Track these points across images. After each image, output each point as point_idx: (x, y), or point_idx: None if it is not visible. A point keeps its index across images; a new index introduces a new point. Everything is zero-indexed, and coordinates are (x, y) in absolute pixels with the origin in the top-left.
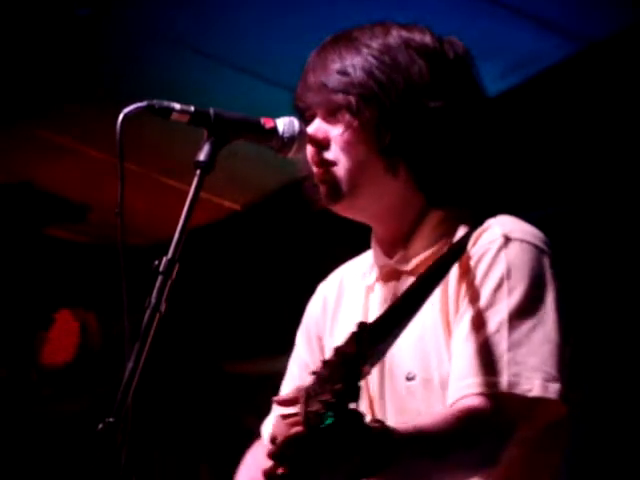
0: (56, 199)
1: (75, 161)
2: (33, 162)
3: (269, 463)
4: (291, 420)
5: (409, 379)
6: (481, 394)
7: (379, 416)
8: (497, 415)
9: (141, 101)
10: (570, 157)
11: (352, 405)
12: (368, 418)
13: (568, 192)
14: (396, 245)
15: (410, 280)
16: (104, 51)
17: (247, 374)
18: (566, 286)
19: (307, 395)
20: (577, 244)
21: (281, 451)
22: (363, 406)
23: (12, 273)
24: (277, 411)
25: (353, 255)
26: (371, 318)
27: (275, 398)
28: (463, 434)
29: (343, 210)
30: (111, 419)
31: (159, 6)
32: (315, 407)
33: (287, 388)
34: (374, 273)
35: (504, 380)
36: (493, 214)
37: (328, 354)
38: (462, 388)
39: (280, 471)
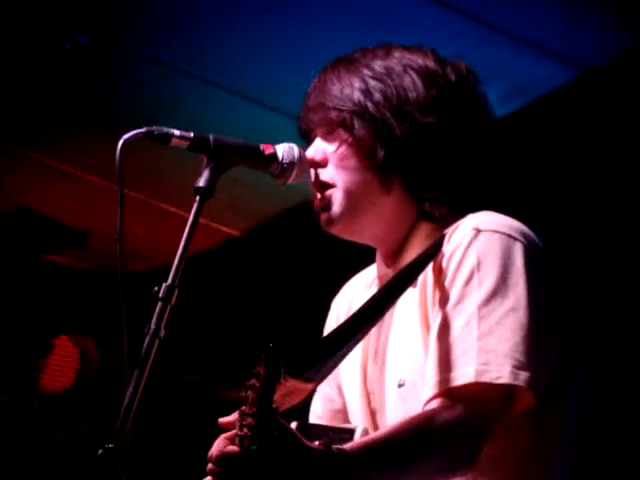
0: (56, 225)
1: (75, 187)
2: (33, 188)
3: None
4: (229, 440)
5: (400, 385)
6: (440, 393)
7: (381, 429)
8: (460, 410)
9: (140, 127)
10: (569, 182)
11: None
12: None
13: (567, 217)
14: (392, 257)
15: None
16: (103, 77)
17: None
18: (545, 275)
19: (240, 417)
20: (574, 268)
21: (218, 469)
22: (365, 420)
23: (12, 299)
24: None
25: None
26: (373, 329)
27: (219, 420)
28: (419, 441)
29: (341, 232)
30: (111, 445)
31: (157, 32)
32: (244, 430)
33: (313, 400)
34: (376, 283)
35: (470, 371)
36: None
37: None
38: (427, 389)
39: None
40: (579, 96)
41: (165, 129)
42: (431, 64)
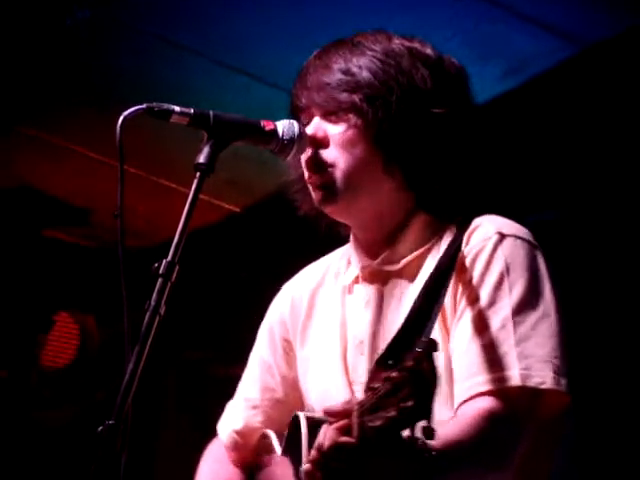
0: (57, 202)
1: (76, 164)
2: (34, 165)
3: (226, 465)
4: (342, 430)
5: None
6: (492, 391)
7: None
8: (510, 411)
9: (141, 104)
10: (568, 159)
11: (423, 423)
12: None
13: (566, 193)
14: (380, 245)
15: (399, 282)
16: (104, 54)
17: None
18: (557, 281)
19: (361, 408)
20: (575, 247)
21: (326, 459)
22: None
23: (12, 276)
24: (233, 411)
25: None
26: (350, 320)
27: (325, 408)
28: (488, 438)
29: (337, 212)
30: (111, 421)
31: (158, 9)
32: (376, 422)
33: (247, 386)
34: (351, 274)
35: (516, 374)
36: (478, 212)
37: (380, 368)
38: (472, 387)
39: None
40: (580, 72)
41: (165, 105)
42: (432, 54)
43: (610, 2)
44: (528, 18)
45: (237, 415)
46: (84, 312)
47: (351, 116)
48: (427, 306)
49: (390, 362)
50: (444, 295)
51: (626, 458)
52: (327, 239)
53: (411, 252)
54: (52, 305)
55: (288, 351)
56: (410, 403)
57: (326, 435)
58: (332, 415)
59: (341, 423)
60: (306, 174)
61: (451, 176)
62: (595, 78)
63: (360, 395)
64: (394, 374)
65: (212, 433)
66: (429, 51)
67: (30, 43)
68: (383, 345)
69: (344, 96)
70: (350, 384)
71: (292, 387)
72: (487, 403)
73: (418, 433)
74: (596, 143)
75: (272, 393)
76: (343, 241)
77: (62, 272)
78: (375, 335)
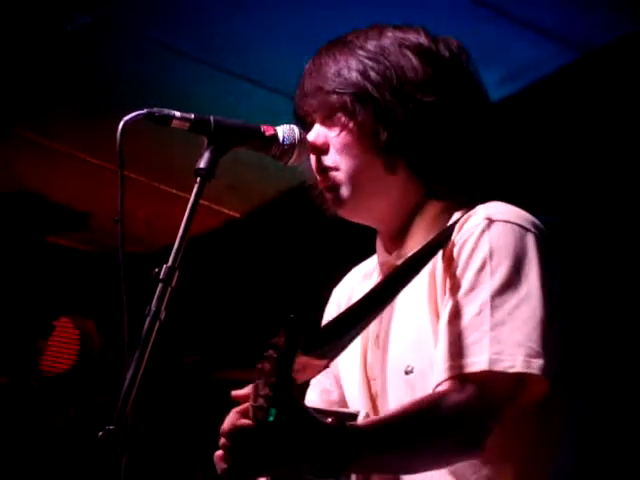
0: (57, 207)
1: (76, 169)
2: (34, 170)
3: None
4: (241, 413)
5: (407, 372)
6: (452, 377)
7: (382, 414)
8: (472, 396)
9: (141, 109)
10: (568, 164)
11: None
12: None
13: (566, 199)
14: (395, 240)
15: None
16: (105, 59)
17: (244, 380)
18: (554, 265)
19: (255, 389)
20: (575, 251)
21: (229, 443)
22: (365, 405)
23: (13, 281)
24: None
25: (354, 263)
26: None
27: (232, 392)
28: (430, 421)
29: (349, 214)
30: (111, 426)
31: (158, 15)
32: (259, 402)
33: (309, 390)
34: (376, 271)
35: (484, 359)
36: (486, 201)
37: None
38: (438, 374)
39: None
40: (579, 78)
41: (166, 110)
42: (424, 41)
43: (609, 8)
44: (527, 24)
45: None
46: (84, 317)
47: (343, 118)
48: (381, 294)
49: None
50: (413, 276)
51: (626, 458)
52: (329, 245)
53: (418, 245)
54: (52, 310)
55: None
56: (273, 379)
57: (231, 420)
58: (237, 398)
59: (241, 407)
60: (317, 177)
61: (454, 161)
62: (594, 84)
63: (375, 390)
64: (271, 352)
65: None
66: (422, 39)
67: (31, 48)
68: (394, 340)
69: (334, 98)
70: (368, 380)
71: (342, 387)
72: (452, 387)
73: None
74: (596, 148)
75: (328, 395)
76: (346, 247)
77: (62, 277)
78: (387, 330)
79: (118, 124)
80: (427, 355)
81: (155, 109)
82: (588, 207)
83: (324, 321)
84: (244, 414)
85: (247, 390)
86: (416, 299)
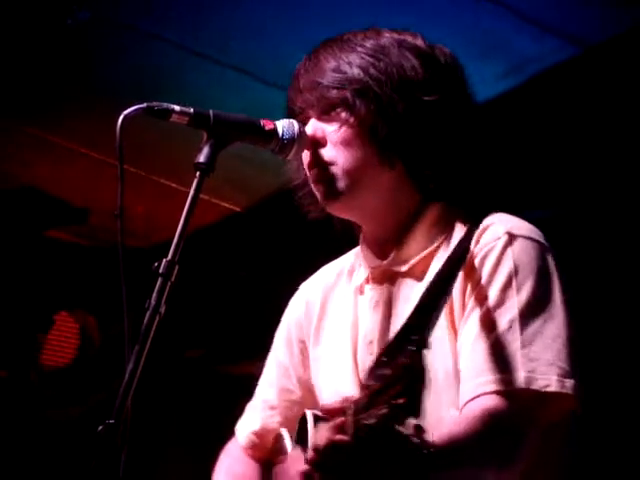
0: (57, 202)
1: (75, 164)
2: (33, 165)
3: (243, 461)
4: (337, 429)
5: None
6: (498, 392)
7: None
8: (515, 413)
9: (140, 103)
10: (567, 158)
11: (413, 421)
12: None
13: (565, 193)
14: (389, 244)
15: (407, 282)
16: (103, 53)
17: (246, 375)
18: (568, 282)
19: (356, 406)
20: (574, 246)
21: (322, 458)
22: None
23: (12, 275)
24: (251, 412)
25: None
26: (362, 320)
27: (321, 406)
28: (489, 437)
29: (341, 208)
30: (111, 421)
31: (159, 10)
32: (369, 420)
33: (265, 388)
34: (362, 274)
35: (520, 376)
36: (487, 210)
37: (376, 367)
38: (478, 386)
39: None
40: (580, 72)
41: (165, 105)
42: (422, 44)
43: (610, 3)
44: (529, 18)
45: (255, 416)
46: (84, 312)
47: (343, 113)
48: (431, 304)
49: (383, 359)
50: (449, 293)
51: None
52: (328, 239)
53: (419, 252)
54: (52, 304)
55: (304, 352)
56: (401, 400)
57: (322, 434)
58: (328, 413)
59: (336, 422)
60: (308, 173)
61: (450, 163)
62: (595, 78)
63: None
64: (386, 371)
65: (214, 432)
66: (419, 42)
67: (31, 43)
68: None
69: (335, 93)
70: (361, 384)
71: (308, 388)
72: (492, 403)
73: (409, 430)
74: (596, 143)
75: (289, 395)
76: (344, 241)
77: (62, 272)
78: (383, 335)
79: (118, 118)
80: (439, 362)
81: (154, 103)
82: (588, 200)
83: (290, 314)
84: (339, 429)
85: (339, 405)
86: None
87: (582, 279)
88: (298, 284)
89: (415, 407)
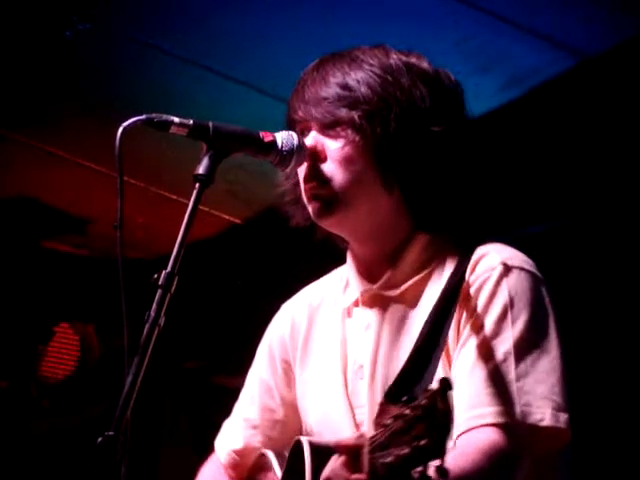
0: (56, 213)
1: (75, 175)
2: (33, 176)
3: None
4: (352, 466)
5: None
6: (498, 424)
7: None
8: (513, 446)
9: (140, 114)
10: (568, 171)
11: (436, 462)
12: None
13: (565, 204)
14: (379, 268)
15: (399, 307)
16: (104, 65)
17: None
18: (559, 312)
19: (373, 444)
20: (577, 258)
21: None
22: (349, 432)
23: (12, 287)
24: (231, 430)
25: None
26: (350, 343)
27: (336, 441)
28: (493, 472)
29: (333, 225)
30: (110, 432)
31: (159, 22)
32: (387, 458)
33: (246, 406)
34: (350, 296)
35: (517, 410)
36: (478, 237)
37: (395, 404)
38: (475, 418)
39: None
40: (579, 84)
41: (164, 116)
42: (428, 69)
43: (610, 14)
44: (528, 30)
45: (236, 435)
46: (84, 323)
47: (349, 132)
48: (433, 337)
49: (403, 398)
50: (449, 326)
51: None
52: (326, 251)
53: (411, 277)
54: (52, 316)
55: (288, 372)
56: (424, 442)
57: (335, 471)
58: (342, 449)
59: (351, 458)
60: (302, 186)
61: (450, 195)
62: (594, 90)
63: (361, 419)
64: (407, 411)
65: (212, 444)
66: (426, 66)
67: (30, 54)
68: (383, 371)
69: (343, 112)
70: (351, 408)
71: (292, 408)
72: (493, 437)
73: (431, 472)
74: (596, 155)
75: (272, 414)
76: (341, 254)
77: (62, 283)
78: (375, 360)
79: (117, 130)
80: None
81: (154, 115)
82: (587, 212)
83: (273, 333)
84: (354, 467)
85: (355, 441)
86: (411, 334)
87: (576, 293)
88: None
89: (440, 449)
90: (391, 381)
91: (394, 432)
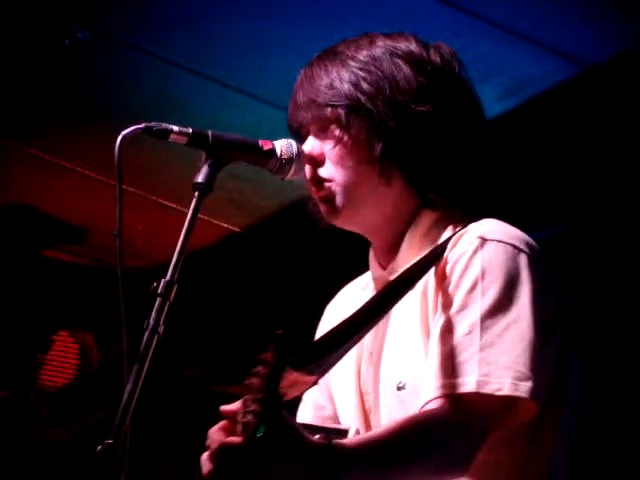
0: (55, 221)
1: (74, 183)
2: (32, 184)
3: None
4: (225, 431)
5: (400, 388)
6: (442, 396)
7: (374, 429)
8: (461, 416)
9: (139, 123)
10: (568, 179)
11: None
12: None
13: (565, 213)
14: (389, 254)
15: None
16: (102, 74)
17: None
18: (548, 286)
19: (244, 405)
20: (576, 264)
21: (218, 460)
22: (358, 420)
23: (11, 295)
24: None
25: (352, 277)
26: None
27: (220, 408)
28: (417, 440)
29: (343, 224)
30: (110, 441)
31: (158, 30)
32: (247, 418)
33: (302, 405)
34: (371, 286)
35: (472, 380)
36: (481, 216)
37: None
38: (427, 392)
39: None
40: (579, 93)
41: (164, 125)
42: (415, 49)
43: (610, 23)
44: (528, 38)
45: None
46: (83, 331)
47: (337, 131)
48: (372, 310)
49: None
50: (399, 297)
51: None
52: (327, 260)
53: (408, 260)
54: (51, 324)
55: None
56: (261, 395)
57: (212, 435)
58: (227, 413)
59: (225, 423)
60: (310, 189)
61: (450, 170)
62: (594, 99)
63: (369, 406)
64: (256, 368)
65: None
66: (413, 46)
67: (29, 62)
68: (387, 356)
69: (328, 111)
70: (361, 395)
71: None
72: (433, 405)
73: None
74: (596, 163)
75: (322, 411)
76: (344, 262)
77: (61, 291)
78: (381, 346)
79: (116, 138)
80: (418, 372)
81: (153, 123)
82: (587, 220)
83: (317, 334)
84: (231, 431)
85: (235, 406)
86: (409, 316)
87: (593, 294)
88: (296, 304)
89: (276, 400)
90: (392, 366)
91: (252, 390)
